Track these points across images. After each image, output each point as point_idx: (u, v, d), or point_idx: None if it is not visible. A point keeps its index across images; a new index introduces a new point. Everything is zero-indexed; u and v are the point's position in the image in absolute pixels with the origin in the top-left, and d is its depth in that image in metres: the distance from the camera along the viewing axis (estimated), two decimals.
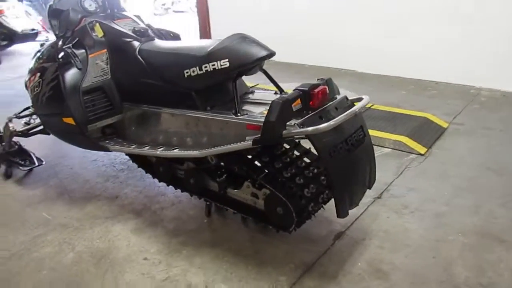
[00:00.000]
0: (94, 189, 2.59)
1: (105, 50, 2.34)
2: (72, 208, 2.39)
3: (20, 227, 2.23)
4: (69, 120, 2.26)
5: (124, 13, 2.54)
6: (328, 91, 1.80)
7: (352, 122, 1.79)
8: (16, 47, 7.31)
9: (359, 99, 1.85)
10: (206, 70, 1.88)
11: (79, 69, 2.28)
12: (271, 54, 1.88)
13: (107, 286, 1.80)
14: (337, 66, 5.13)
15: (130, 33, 2.33)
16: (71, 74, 2.25)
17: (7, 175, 2.74)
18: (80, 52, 2.32)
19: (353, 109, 1.71)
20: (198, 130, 2.02)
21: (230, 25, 6.09)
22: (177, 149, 2.08)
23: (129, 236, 2.13)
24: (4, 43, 6.38)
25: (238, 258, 1.93)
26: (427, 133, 3.10)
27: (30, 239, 2.13)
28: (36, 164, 2.75)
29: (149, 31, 2.43)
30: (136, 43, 2.29)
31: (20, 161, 2.75)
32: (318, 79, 1.84)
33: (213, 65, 1.86)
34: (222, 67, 1.84)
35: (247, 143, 1.72)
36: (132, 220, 2.26)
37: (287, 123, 1.63)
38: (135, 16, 2.57)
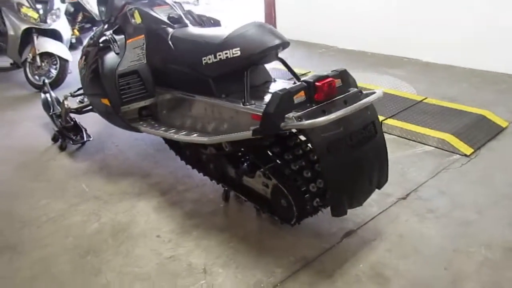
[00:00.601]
0: (131, 167, 2.77)
1: (143, 36, 2.46)
2: (108, 183, 2.59)
3: (62, 195, 2.48)
4: (106, 101, 2.44)
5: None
6: (338, 84, 1.72)
7: (361, 117, 1.71)
8: None
9: (373, 93, 1.75)
10: (220, 58, 1.91)
11: (117, 53, 2.43)
12: (284, 43, 1.85)
13: (118, 257, 1.94)
14: (400, 54, 4.82)
15: (165, 19, 2.43)
16: (108, 58, 2.42)
17: (62, 148, 3.04)
18: (120, 37, 2.47)
19: (358, 104, 1.63)
20: (214, 116, 2.06)
21: (296, 13, 6.05)
22: (195, 134, 2.15)
23: (149, 213, 2.26)
24: (88, 25, 6.92)
25: (243, 245, 1.96)
26: (479, 133, 2.82)
27: (66, 207, 2.36)
28: (85, 139, 3.00)
29: (184, 18, 2.50)
30: (169, 30, 2.38)
31: (72, 136, 3.03)
32: (332, 71, 1.78)
33: (226, 53, 1.88)
34: (234, 55, 1.86)
35: (248, 133, 1.73)
36: (156, 198, 2.39)
37: (286, 116, 1.60)
38: (175, 3, 2.66)
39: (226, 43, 1.88)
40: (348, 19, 5.18)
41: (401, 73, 4.17)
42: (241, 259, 1.87)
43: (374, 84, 3.78)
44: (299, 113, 1.59)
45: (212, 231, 2.08)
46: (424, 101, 3.35)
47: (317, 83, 1.64)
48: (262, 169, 1.97)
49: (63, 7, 4.66)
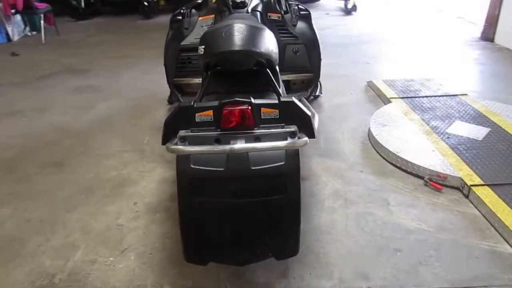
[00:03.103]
0: None
1: (213, 15, 2.50)
2: None
3: None
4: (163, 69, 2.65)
5: None
6: (269, 115, 1.39)
7: (264, 163, 1.35)
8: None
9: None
10: (199, 53, 1.80)
11: (185, 28, 2.56)
12: (241, 52, 1.58)
13: None
14: None
15: (229, 3, 2.38)
16: (176, 30, 2.58)
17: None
18: (195, 13, 2.58)
19: (247, 145, 1.29)
20: None
21: None
22: None
23: None
24: None
25: None
26: None
27: None
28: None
29: (252, 3, 2.38)
30: (227, 14, 2.34)
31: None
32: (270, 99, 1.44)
33: (200, 49, 1.75)
34: (200, 53, 1.71)
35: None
36: None
37: (180, 132, 1.42)
38: None
39: (202, 38, 1.74)
40: None
41: None
42: None
43: None
44: (188, 134, 1.39)
45: None
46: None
47: (225, 107, 1.37)
48: None
49: None
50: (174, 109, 1.45)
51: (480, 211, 2.10)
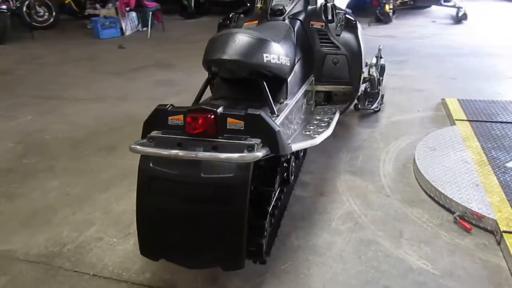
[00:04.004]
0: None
1: (257, 21, 2.55)
2: None
3: None
4: None
5: None
6: (234, 126, 1.41)
7: (213, 172, 1.36)
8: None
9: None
10: None
11: None
12: (229, 60, 1.60)
13: None
14: None
15: (268, 10, 2.41)
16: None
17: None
18: (242, 18, 2.65)
19: (191, 153, 1.32)
20: None
21: None
22: None
23: None
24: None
25: None
26: None
27: None
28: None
29: (288, 12, 2.37)
30: (264, 21, 2.39)
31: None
32: (236, 109, 1.45)
33: None
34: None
35: None
36: None
37: (152, 132, 1.51)
38: None
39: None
40: None
41: None
42: None
43: None
44: (157, 135, 1.47)
45: None
46: None
47: (189, 114, 1.42)
48: None
49: None
50: (153, 111, 1.54)
51: (507, 263, 1.78)
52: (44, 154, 2.96)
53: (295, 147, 1.64)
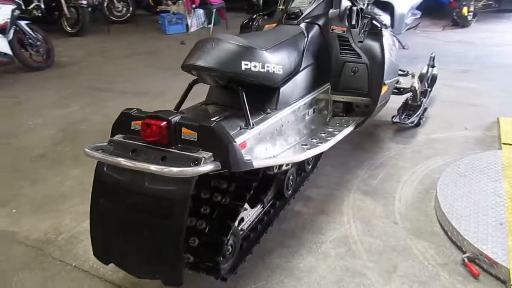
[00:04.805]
0: None
1: (275, 24, 2.45)
2: None
3: None
4: None
5: None
6: (188, 137, 1.36)
7: (155, 184, 1.32)
8: None
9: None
10: None
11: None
12: (204, 67, 1.54)
13: None
14: None
15: (284, 14, 2.31)
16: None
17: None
18: (265, 20, 2.57)
19: (129, 163, 1.29)
20: None
21: None
22: None
23: None
24: None
25: None
26: None
27: None
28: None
29: (304, 16, 2.24)
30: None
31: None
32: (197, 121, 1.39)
33: None
34: None
35: None
36: None
37: (116, 136, 1.51)
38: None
39: None
40: None
41: None
42: None
43: None
44: (117, 139, 1.46)
45: None
46: None
47: (145, 120, 1.39)
48: None
49: None
50: (119, 114, 1.53)
51: None
52: (75, 143, 3.15)
53: (260, 164, 1.53)
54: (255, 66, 1.64)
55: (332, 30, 2.33)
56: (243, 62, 1.60)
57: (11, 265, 1.94)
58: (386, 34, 2.36)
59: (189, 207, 1.31)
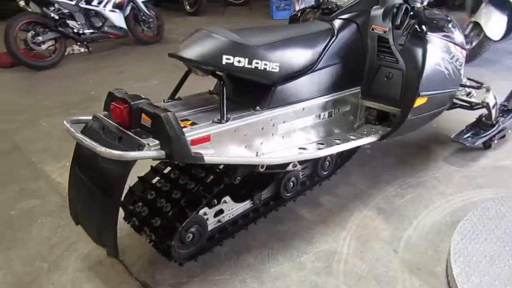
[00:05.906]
0: None
1: (312, 18, 2.35)
2: None
3: None
4: None
5: None
6: (147, 122, 1.45)
7: (100, 163, 1.44)
8: None
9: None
10: None
11: None
12: (185, 59, 1.59)
13: None
14: None
15: (320, 9, 2.21)
16: None
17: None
18: (312, 13, 2.47)
19: (88, 143, 1.41)
20: None
21: None
22: None
23: None
24: None
25: None
26: None
27: None
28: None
29: (337, 13, 2.11)
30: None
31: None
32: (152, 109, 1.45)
33: None
34: None
35: None
36: None
37: (101, 112, 1.65)
38: None
39: None
40: None
41: None
42: None
43: None
44: (99, 115, 1.61)
45: None
46: None
47: (112, 102, 1.51)
48: None
49: None
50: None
51: None
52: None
53: (213, 160, 1.51)
54: (239, 61, 1.61)
55: (372, 29, 2.12)
56: (224, 56, 1.59)
57: (41, 208, 2.28)
58: (436, 40, 2.06)
59: (129, 188, 1.40)
